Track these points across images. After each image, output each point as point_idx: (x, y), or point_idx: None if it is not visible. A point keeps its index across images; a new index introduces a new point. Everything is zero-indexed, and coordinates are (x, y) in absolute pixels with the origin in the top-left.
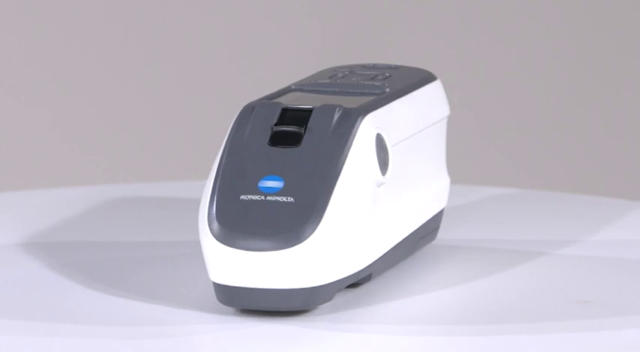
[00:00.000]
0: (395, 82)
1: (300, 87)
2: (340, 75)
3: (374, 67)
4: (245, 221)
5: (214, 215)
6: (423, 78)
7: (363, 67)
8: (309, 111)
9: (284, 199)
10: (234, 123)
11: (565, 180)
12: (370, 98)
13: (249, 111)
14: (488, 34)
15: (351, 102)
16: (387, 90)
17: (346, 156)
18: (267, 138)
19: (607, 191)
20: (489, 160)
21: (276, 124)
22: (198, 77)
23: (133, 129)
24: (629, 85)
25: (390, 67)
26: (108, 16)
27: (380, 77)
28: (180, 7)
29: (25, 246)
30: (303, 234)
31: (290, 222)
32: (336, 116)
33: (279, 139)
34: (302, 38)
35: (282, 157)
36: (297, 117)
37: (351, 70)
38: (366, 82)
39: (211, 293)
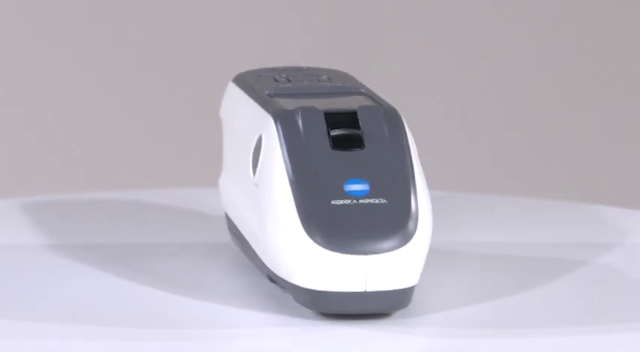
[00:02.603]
0: (346, 82)
1: (277, 92)
2: (281, 78)
3: (294, 68)
4: (347, 225)
5: (311, 222)
6: (352, 78)
7: (274, 70)
8: (352, 113)
9: (377, 201)
10: (279, 130)
11: (564, 181)
12: (365, 97)
13: (289, 117)
14: (487, 34)
15: (362, 102)
16: (362, 90)
17: (411, 155)
18: (328, 143)
19: (605, 194)
20: (488, 161)
21: (331, 128)
22: (195, 79)
23: (132, 133)
24: (630, 85)
25: (303, 68)
26: (109, 18)
27: (322, 78)
28: (181, 7)
29: (26, 248)
30: (409, 234)
31: (393, 222)
32: (383, 117)
33: (338, 143)
34: (301, 39)
35: (353, 160)
36: (343, 120)
37: (281, 73)
38: (327, 84)
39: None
